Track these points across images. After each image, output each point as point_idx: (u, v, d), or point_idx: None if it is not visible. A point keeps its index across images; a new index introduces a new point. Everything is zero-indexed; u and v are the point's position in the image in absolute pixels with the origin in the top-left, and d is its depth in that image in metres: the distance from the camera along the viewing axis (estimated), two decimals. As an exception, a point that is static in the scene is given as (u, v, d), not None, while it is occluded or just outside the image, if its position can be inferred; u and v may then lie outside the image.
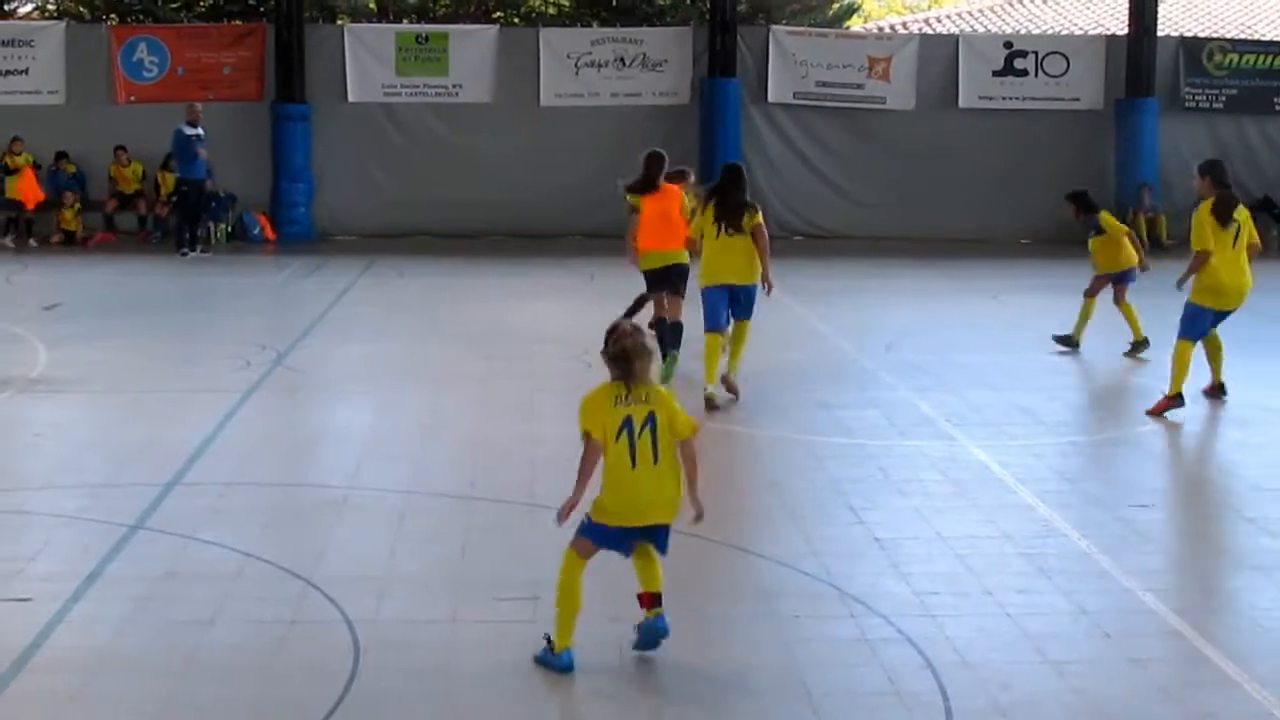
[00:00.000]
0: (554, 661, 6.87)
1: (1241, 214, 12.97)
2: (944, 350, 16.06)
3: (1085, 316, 16.02)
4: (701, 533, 8.91)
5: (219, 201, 26.42)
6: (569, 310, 18.96)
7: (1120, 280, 16.02)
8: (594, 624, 7.36)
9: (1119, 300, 15.98)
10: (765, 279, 13.02)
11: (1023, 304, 20.09)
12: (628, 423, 6.88)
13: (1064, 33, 34.92)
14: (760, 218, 13.10)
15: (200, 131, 24.63)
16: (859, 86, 28.77)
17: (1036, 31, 35.17)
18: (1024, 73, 29.08)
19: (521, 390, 13.60)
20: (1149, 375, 14.55)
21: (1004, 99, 28.99)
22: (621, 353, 6.93)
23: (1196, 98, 29.31)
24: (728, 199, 13.11)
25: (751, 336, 13.62)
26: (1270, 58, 29.66)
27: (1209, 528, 9.32)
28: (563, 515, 6.91)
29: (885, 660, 6.93)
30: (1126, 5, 29.32)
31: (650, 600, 7.10)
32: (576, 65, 28.41)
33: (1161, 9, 29.63)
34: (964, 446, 11.40)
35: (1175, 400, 12.74)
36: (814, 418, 12.57)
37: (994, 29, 36.53)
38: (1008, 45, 29.56)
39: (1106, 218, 16.25)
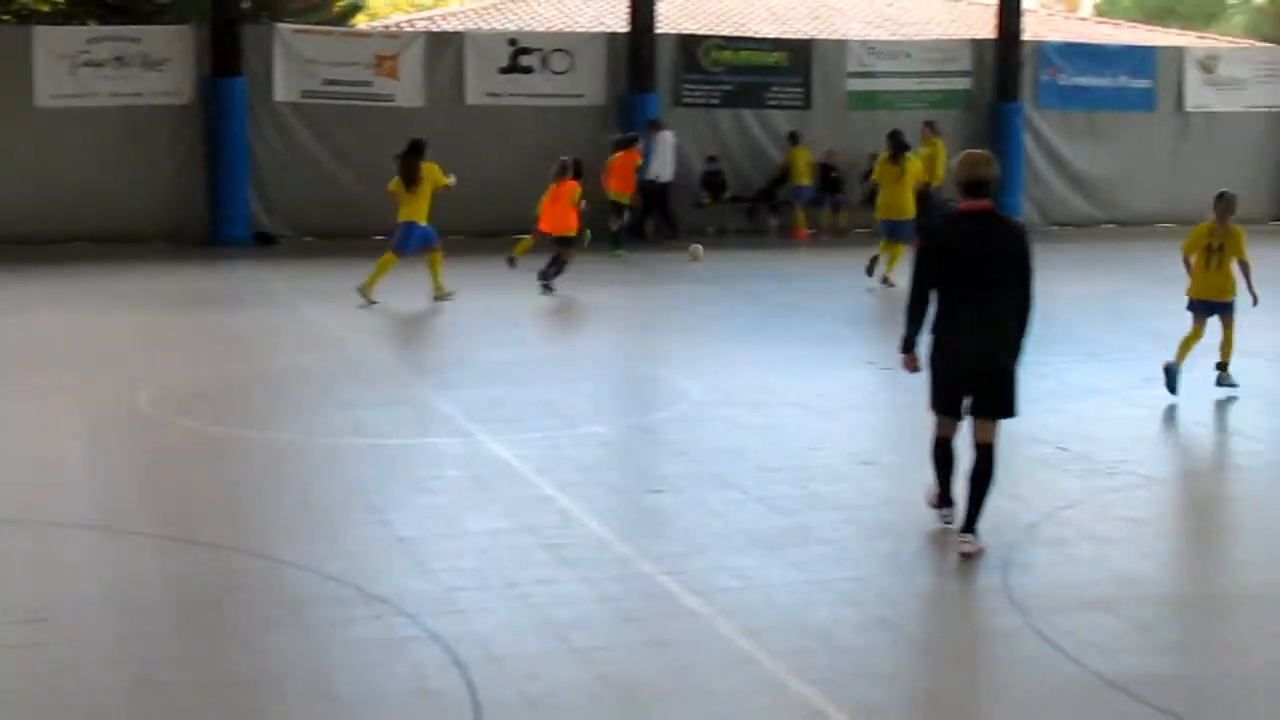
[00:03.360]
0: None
1: (913, 161, 21.46)
2: (461, 348, 16.16)
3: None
4: (224, 542, 8.77)
5: None
6: (72, 319, 18.21)
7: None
8: (102, 647, 7.13)
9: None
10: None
11: (563, 294, 20.38)
12: (1209, 248, 13.15)
13: (567, 30, 35.59)
14: (436, 170, 19.88)
15: None
16: (367, 84, 28.67)
17: (541, 30, 35.72)
18: (529, 70, 29.54)
19: (22, 404, 13.00)
20: (662, 367, 14.98)
21: (511, 95, 29.39)
22: (1223, 202, 13.20)
23: (694, 93, 30.39)
24: (405, 165, 19.60)
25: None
26: (763, 54, 31.00)
27: (721, 509, 9.62)
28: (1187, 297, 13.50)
29: (412, 659, 6.93)
30: (627, 4, 30.12)
31: (1218, 366, 13.40)
32: (73, 65, 27.34)
33: (661, 7, 30.54)
34: (484, 443, 11.48)
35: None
36: (333, 420, 12.45)
37: (499, 27, 36.91)
38: (512, 43, 29.95)
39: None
